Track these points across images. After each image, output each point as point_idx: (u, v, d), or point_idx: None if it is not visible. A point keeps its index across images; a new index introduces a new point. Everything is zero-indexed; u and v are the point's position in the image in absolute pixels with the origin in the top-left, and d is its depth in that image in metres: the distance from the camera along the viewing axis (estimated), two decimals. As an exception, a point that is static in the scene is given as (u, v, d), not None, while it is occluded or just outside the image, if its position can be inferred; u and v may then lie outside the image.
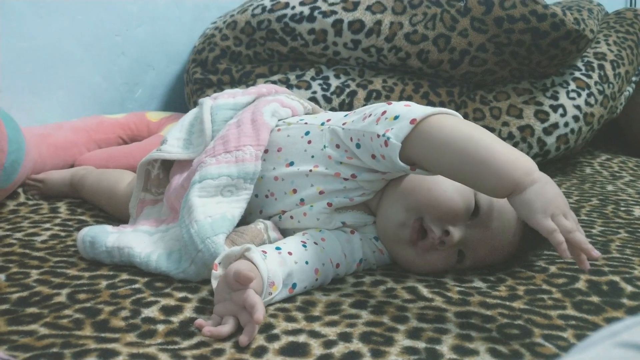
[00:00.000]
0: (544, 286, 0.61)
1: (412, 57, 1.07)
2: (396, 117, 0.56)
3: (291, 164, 0.66)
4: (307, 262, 0.58)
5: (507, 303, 0.57)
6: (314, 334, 0.50)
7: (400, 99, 1.07)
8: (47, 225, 0.79)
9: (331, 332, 0.50)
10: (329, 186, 0.62)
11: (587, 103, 1.14)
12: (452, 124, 0.55)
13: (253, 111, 0.69)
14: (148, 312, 0.54)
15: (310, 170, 0.63)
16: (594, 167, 1.24)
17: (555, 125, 1.11)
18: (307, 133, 0.66)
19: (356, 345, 0.48)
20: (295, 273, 0.57)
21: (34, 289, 0.59)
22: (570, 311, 0.55)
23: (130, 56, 1.37)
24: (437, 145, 0.54)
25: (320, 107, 1.08)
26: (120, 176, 0.85)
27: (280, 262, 0.56)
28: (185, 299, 0.57)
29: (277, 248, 0.58)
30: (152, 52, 1.42)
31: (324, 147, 0.64)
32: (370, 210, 0.68)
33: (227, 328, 0.49)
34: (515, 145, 1.09)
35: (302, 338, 0.49)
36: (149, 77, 1.45)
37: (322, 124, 0.66)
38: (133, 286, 0.60)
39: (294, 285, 0.57)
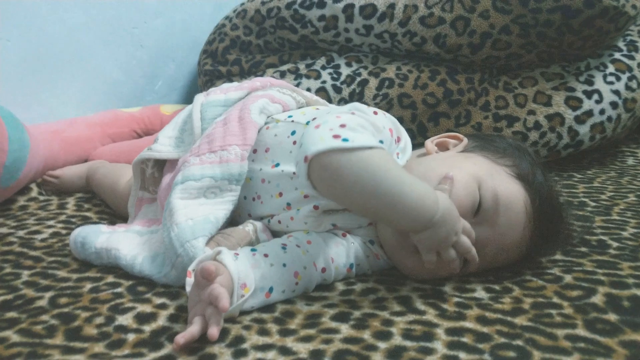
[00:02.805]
0: (555, 299, 0.55)
1: (428, 42, 1.00)
2: (301, 146, 0.50)
3: (277, 165, 0.62)
4: (284, 265, 0.54)
5: (509, 318, 0.51)
6: (284, 351, 0.46)
7: (415, 87, 1.01)
8: (51, 223, 0.80)
9: (303, 349, 0.46)
10: (313, 190, 0.59)
11: (627, 87, 1.04)
12: (349, 164, 0.48)
13: (241, 108, 0.66)
14: (122, 320, 0.52)
15: (294, 173, 0.60)
16: (638, 158, 1.14)
17: (589, 113, 1.01)
18: (293, 133, 0.62)
19: (327, 365, 0.44)
20: (271, 276, 0.53)
21: (19, 291, 0.58)
22: (581, 331, 0.49)
23: (149, 48, 1.36)
24: (335, 187, 0.50)
25: (330, 97, 1.03)
26: (122, 172, 0.84)
27: (253, 264, 0.53)
28: (163, 306, 0.55)
29: (253, 250, 0.55)
30: (172, 43, 1.41)
31: None
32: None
33: (194, 327, 0.46)
34: (542, 135, 1.01)
35: (270, 355, 0.46)
36: (169, 69, 1.44)
37: (307, 123, 0.62)
38: (115, 290, 0.58)
39: (271, 289, 0.53)
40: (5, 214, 0.83)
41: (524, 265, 0.62)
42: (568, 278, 0.58)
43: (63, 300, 0.56)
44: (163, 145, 0.70)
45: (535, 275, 0.60)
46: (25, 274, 0.62)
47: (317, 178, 0.50)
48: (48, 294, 0.57)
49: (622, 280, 0.57)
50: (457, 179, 0.56)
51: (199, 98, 0.71)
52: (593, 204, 0.85)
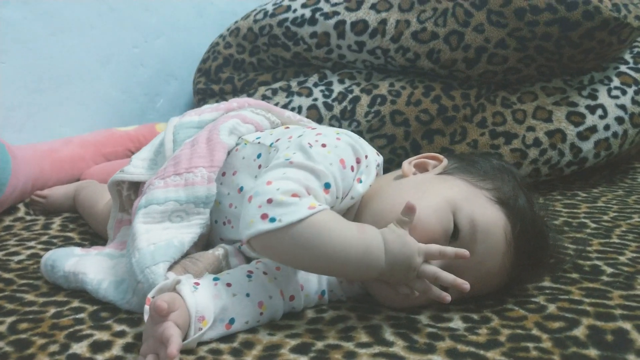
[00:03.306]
0: (534, 331, 0.51)
1: (421, 58, 0.98)
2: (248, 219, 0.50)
3: (241, 189, 0.60)
4: (248, 295, 0.52)
5: (481, 352, 0.48)
6: (234, 386, 0.44)
7: (408, 104, 0.98)
8: (32, 244, 0.79)
9: (254, 384, 0.44)
10: None
11: (634, 102, 0.99)
12: (282, 244, 0.49)
13: (210, 129, 0.64)
14: (76, 348, 0.50)
15: None
16: (649, 175, 1.08)
17: (593, 129, 0.97)
18: (259, 156, 0.60)
19: (276, 403, 0.42)
20: (233, 307, 0.51)
21: (-17, 316, 0.57)
22: (556, 367, 0.45)
23: (150, 67, 1.37)
24: (280, 260, 0.53)
25: (321, 114, 1.01)
26: (104, 193, 0.83)
27: (214, 295, 0.50)
28: (122, 334, 0.53)
29: (215, 279, 0.52)
30: (173, 62, 1.42)
31: None
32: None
33: None
34: (543, 152, 0.97)
35: (218, 390, 0.43)
36: (172, 87, 1.45)
37: (271, 144, 0.60)
38: (77, 315, 0.56)
39: (232, 321, 0.51)
40: (-13, 235, 0.82)
41: (508, 292, 0.58)
42: (552, 308, 0.54)
43: (23, 325, 0.55)
44: (136, 168, 0.69)
45: (517, 304, 0.56)
46: (-7, 298, 0.61)
47: (261, 254, 0.53)
48: (10, 319, 0.56)
49: (609, 312, 0.52)
50: (430, 204, 0.53)
51: (173, 120, 0.70)
52: (593, 225, 0.80)
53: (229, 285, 0.52)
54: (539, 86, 1.01)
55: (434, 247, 0.50)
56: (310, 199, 0.50)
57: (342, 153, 0.55)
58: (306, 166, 0.52)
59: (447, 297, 0.50)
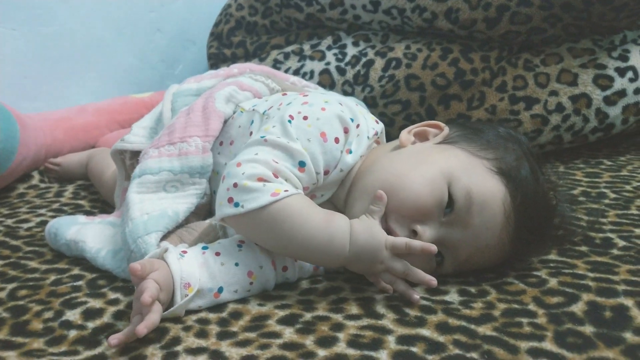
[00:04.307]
0: (531, 306, 0.49)
1: (439, 18, 0.93)
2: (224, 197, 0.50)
3: None
4: (237, 264, 0.51)
5: (472, 327, 0.46)
6: (215, 356, 0.44)
7: (424, 67, 0.94)
8: (42, 211, 0.81)
9: (235, 355, 0.43)
10: None
11: (668, 63, 0.92)
12: (246, 227, 0.51)
13: (207, 97, 0.63)
14: (70, 315, 0.51)
15: None
16: (683, 142, 1.02)
17: (622, 93, 0.91)
18: (252, 123, 0.59)
19: (254, 374, 0.41)
20: (221, 275, 0.51)
21: (-14, 282, 0.59)
22: (548, 344, 0.43)
23: (167, 33, 1.35)
24: (249, 237, 0.53)
25: (334, 79, 0.98)
26: (109, 162, 0.84)
27: (201, 263, 0.50)
28: (115, 302, 0.53)
29: (204, 248, 0.52)
30: (192, 26, 1.39)
31: None
32: (336, 208, 0.59)
33: (129, 327, 0.45)
34: (565, 118, 0.92)
35: (200, 359, 0.43)
36: (190, 53, 1.43)
37: (264, 112, 0.58)
38: (75, 283, 0.58)
39: (220, 289, 0.51)
40: (1, 202, 0.85)
41: (512, 265, 0.56)
42: (553, 282, 0.52)
43: (23, 292, 0.56)
44: (136, 136, 0.68)
45: (518, 278, 0.54)
46: (-1, 265, 0.63)
47: (235, 231, 0.54)
48: (11, 286, 0.57)
49: (612, 287, 0.50)
50: (422, 175, 0.51)
51: (172, 88, 0.69)
52: (613, 195, 0.76)
53: (217, 254, 0.52)
54: (566, 47, 0.95)
55: (401, 241, 0.49)
56: (275, 184, 0.49)
57: (324, 125, 0.53)
58: (280, 144, 0.52)
59: (415, 295, 0.50)
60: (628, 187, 0.78)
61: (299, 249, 0.50)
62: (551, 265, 0.56)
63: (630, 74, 0.92)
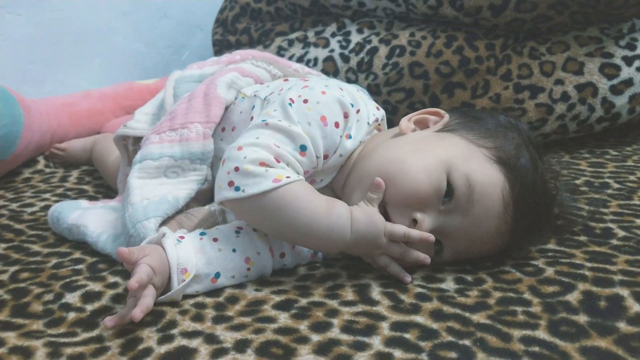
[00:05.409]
0: (526, 294, 0.49)
1: (444, 5, 0.92)
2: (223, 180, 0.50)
3: None
4: (234, 250, 0.52)
5: (467, 314, 0.46)
6: (210, 339, 0.44)
7: (428, 55, 0.93)
8: (47, 196, 0.81)
9: (229, 339, 0.44)
10: None
11: (677, 52, 0.90)
12: (246, 211, 0.51)
13: (208, 83, 0.63)
14: (69, 298, 0.52)
15: None
16: (691, 132, 1.00)
17: (629, 82, 0.90)
18: (253, 108, 0.59)
19: (247, 358, 0.42)
20: (218, 261, 0.51)
21: (-14, 265, 0.60)
22: (541, 333, 0.43)
23: (174, 18, 1.35)
24: (248, 222, 0.54)
25: (338, 67, 0.98)
26: (113, 148, 0.84)
27: (198, 249, 0.51)
28: (114, 285, 0.54)
29: (202, 234, 0.53)
30: (198, 12, 1.39)
31: None
32: (335, 194, 0.59)
33: (124, 310, 0.45)
34: (571, 107, 0.91)
35: (195, 343, 0.44)
36: (197, 39, 1.43)
37: (265, 98, 0.58)
38: (76, 267, 0.58)
39: (217, 275, 0.51)
40: (6, 186, 0.86)
41: (509, 254, 0.55)
42: (549, 271, 0.52)
43: (24, 275, 0.57)
44: (138, 122, 0.69)
45: (515, 266, 0.54)
46: (1, 248, 0.64)
47: (234, 215, 0.55)
48: (13, 268, 0.58)
49: (608, 277, 0.49)
50: (421, 163, 0.51)
51: (174, 74, 0.69)
52: (616, 185, 0.75)
53: (215, 240, 0.52)
54: (572, 35, 0.94)
55: (399, 230, 0.50)
56: (277, 170, 0.49)
57: (324, 109, 0.53)
58: (281, 128, 0.52)
59: (407, 277, 0.51)
60: (632, 178, 0.78)
61: (299, 235, 0.50)
62: (549, 254, 0.56)
63: (637, 63, 0.90)
